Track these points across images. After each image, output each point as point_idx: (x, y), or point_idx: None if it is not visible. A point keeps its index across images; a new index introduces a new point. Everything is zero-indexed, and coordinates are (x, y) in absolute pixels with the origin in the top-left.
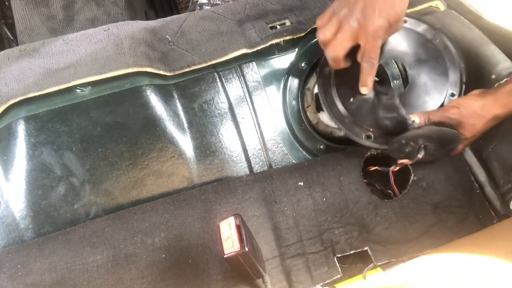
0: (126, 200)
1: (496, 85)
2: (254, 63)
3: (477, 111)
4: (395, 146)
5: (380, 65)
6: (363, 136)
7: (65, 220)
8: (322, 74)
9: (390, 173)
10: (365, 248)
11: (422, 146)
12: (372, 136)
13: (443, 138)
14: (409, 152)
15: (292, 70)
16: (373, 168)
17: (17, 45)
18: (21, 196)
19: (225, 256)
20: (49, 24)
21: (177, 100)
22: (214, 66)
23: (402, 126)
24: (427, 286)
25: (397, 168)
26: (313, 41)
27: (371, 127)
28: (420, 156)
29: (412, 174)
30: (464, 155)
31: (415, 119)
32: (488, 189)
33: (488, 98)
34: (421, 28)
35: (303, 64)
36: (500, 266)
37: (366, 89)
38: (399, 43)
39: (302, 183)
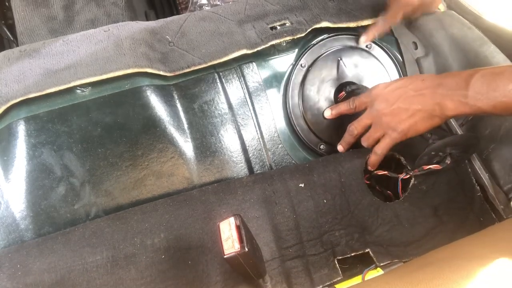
0: (126, 201)
1: None
2: (254, 63)
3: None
4: (425, 159)
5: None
6: (318, 146)
7: (65, 220)
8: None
9: (399, 181)
10: (367, 250)
11: (449, 153)
12: (324, 147)
13: (467, 143)
14: (437, 161)
15: (292, 71)
16: (381, 173)
17: (17, 45)
18: (21, 197)
19: (225, 256)
20: (49, 24)
21: (177, 100)
22: (214, 66)
23: None
24: (427, 286)
25: (407, 176)
26: (313, 41)
27: (326, 140)
28: (448, 162)
29: (413, 178)
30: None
31: (327, 113)
32: (491, 193)
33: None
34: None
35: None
36: (502, 266)
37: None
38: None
39: (303, 185)
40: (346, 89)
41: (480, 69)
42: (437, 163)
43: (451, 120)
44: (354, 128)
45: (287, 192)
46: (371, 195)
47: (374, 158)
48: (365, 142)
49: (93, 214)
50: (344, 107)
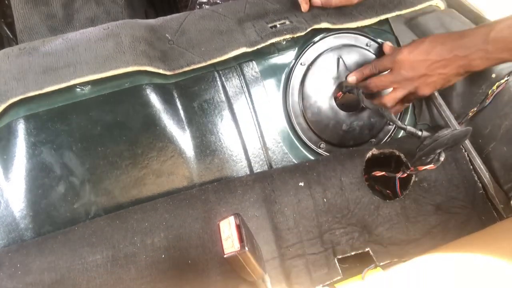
0: (126, 200)
1: None
2: (254, 62)
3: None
4: (418, 164)
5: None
6: (319, 144)
7: (65, 219)
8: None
9: (397, 180)
10: (367, 249)
11: (441, 151)
12: (324, 146)
13: (456, 138)
14: (431, 161)
15: (292, 69)
16: (379, 174)
17: (17, 44)
18: (21, 196)
19: (225, 256)
20: (48, 22)
21: (177, 99)
22: (214, 65)
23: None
24: (428, 285)
25: (405, 174)
26: (313, 39)
27: (326, 139)
28: (442, 159)
29: (414, 175)
30: (468, 155)
31: (351, 78)
32: (491, 192)
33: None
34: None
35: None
36: (502, 266)
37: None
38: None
39: (302, 184)
40: (343, 90)
41: (495, 24)
42: (431, 160)
43: (450, 117)
44: (374, 84)
45: (286, 191)
46: (371, 194)
47: (398, 106)
48: (390, 101)
49: (93, 213)
50: (367, 70)
